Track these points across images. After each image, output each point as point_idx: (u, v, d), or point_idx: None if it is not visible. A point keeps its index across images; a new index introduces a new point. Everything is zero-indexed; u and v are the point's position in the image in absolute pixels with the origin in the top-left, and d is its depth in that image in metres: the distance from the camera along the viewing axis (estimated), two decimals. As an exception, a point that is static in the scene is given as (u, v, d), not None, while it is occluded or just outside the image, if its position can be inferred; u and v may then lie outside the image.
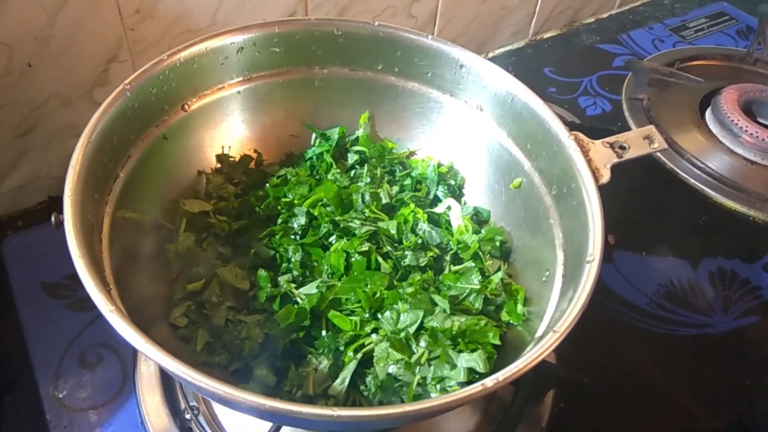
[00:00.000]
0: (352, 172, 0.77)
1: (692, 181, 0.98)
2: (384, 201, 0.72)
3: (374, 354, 0.60)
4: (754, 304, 0.87)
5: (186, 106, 0.68)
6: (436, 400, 0.45)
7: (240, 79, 0.71)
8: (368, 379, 0.60)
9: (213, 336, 0.62)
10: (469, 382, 0.58)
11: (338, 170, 0.75)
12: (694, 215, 0.97)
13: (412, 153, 0.79)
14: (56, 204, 0.91)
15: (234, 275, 0.65)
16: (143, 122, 0.64)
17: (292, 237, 0.70)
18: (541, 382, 0.71)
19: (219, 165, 0.73)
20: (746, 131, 1.01)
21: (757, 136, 1.00)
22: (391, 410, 0.44)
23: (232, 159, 0.74)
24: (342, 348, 0.62)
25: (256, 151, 0.76)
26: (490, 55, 1.22)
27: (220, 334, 0.63)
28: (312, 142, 0.78)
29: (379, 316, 0.63)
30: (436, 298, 0.64)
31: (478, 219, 0.74)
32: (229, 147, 0.74)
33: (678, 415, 0.77)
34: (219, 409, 0.69)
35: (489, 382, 0.45)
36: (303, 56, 0.72)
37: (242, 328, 0.63)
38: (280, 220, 0.71)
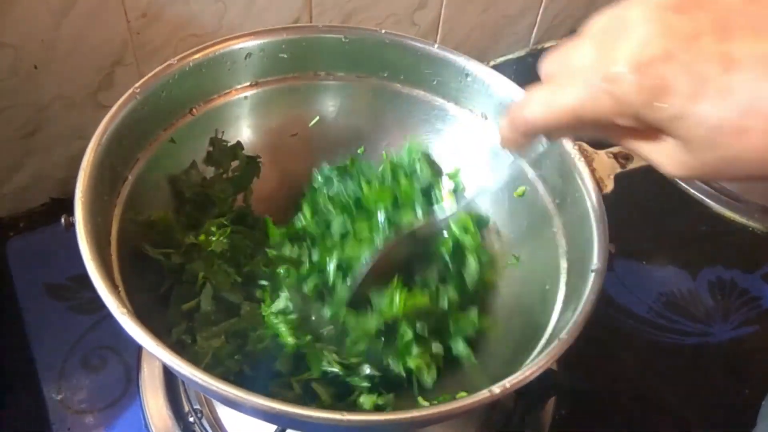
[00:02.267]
0: None
1: (692, 191, 0.99)
2: None
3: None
4: (753, 313, 0.88)
5: (194, 110, 0.68)
6: (443, 405, 0.45)
7: (247, 84, 0.71)
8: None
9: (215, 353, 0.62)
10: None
11: None
12: (694, 225, 0.98)
13: None
14: (59, 206, 0.91)
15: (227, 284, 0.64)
16: (152, 125, 0.64)
17: None
18: (542, 390, 0.71)
19: (210, 148, 0.72)
20: (745, 142, 1.02)
21: (756, 148, 1.01)
22: (400, 415, 0.44)
23: (225, 143, 0.72)
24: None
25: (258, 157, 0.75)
26: (492, 63, 1.22)
27: (221, 352, 0.62)
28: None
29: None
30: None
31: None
32: (222, 132, 0.73)
33: (677, 423, 0.78)
34: (222, 413, 0.69)
35: (496, 388, 0.46)
36: (310, 62, 0.72)
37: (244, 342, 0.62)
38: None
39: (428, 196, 0.75)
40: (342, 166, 0.76)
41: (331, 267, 0.67)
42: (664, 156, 0.41)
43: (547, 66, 0.43)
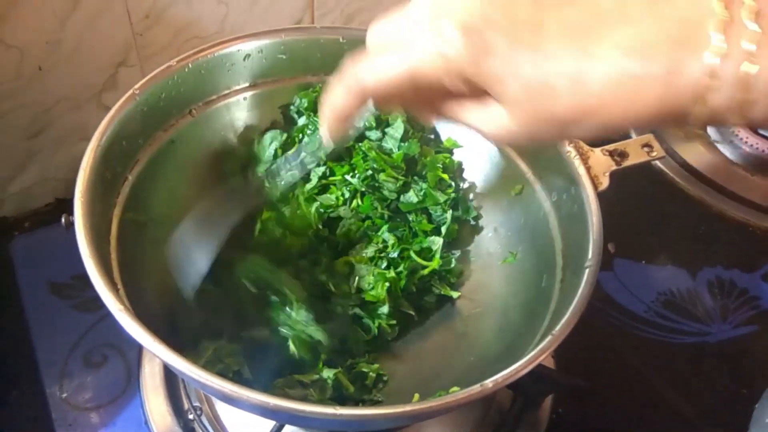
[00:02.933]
0: None
1: (692, 190, 0.99)
2: None
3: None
4: (752, 313, 0.88)
5: (193, 111, 0.69)
6: (436, 400, 0.46)
7: (246, 85, 0.72)
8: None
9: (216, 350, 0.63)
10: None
11: None
12: (694, 225, 0.98)
13: None
14: (63, 206, 0.92)
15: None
16: (151, 126, 0.65)
17: None
18: (539, 388, 0.71)
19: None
20: (746, 142, 1.02)
21: (757, 147, 1.01)
22: (392, 410, 0.45)
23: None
24: None
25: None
26: (494, 64, 1.23)
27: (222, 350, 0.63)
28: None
29: None
30: None
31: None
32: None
33: (675, 422, 0.78)
34: (222, 410, 0.70)
35: (489, 383, 0.46)
36: (308, 63, 0.73)
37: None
38: None
39: None
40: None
41: None
42: (489, 121, 0.43)
43: (375, 37, 0.44)
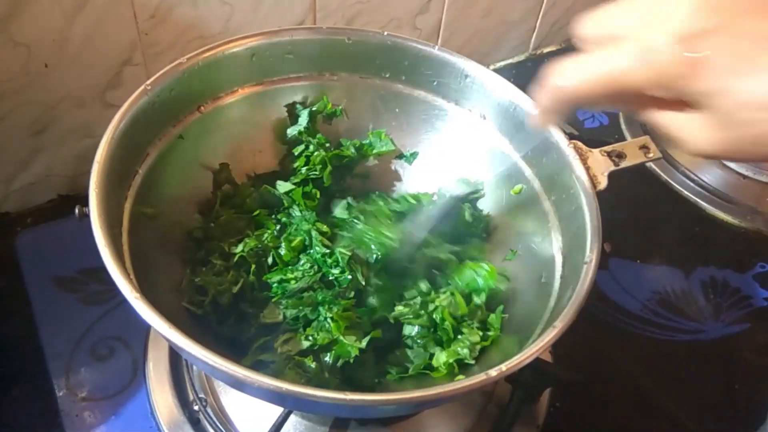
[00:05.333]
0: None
1: (686, 193, 1.01)
2: None
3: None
4: (743, 312, 0.90)
5: (202, 108, 0.70)
6: (441, 387, 0.47)
7: (253, 83, 0.73)
8: None
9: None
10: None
11: None
12: (688, 226, 1.00)
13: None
14: (66, 202, 0.93)
15: None
16: (161, 122, 0.66)
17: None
18: (537, 382, 0.73)
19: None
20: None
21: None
22: (401, 396, 0.46)
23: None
24: None
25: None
26: (492, 67, 1.24)
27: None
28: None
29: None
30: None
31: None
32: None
33: (668, 416, 0.80)
34: (227, 401, 0.71)
35: (493, 372, 0.48)
36: (314, 63, 0.74)
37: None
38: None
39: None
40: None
41: None
42: (692, 131, 0.40)
43: (586, 28, 0.43)
